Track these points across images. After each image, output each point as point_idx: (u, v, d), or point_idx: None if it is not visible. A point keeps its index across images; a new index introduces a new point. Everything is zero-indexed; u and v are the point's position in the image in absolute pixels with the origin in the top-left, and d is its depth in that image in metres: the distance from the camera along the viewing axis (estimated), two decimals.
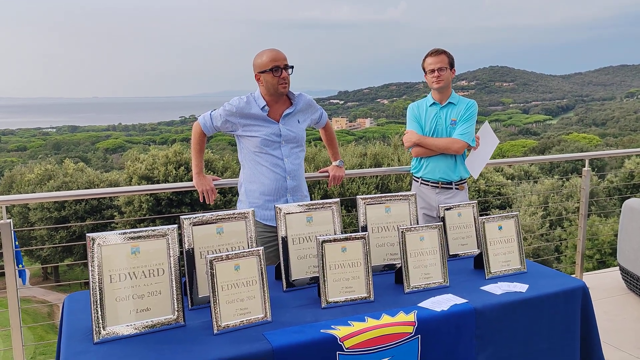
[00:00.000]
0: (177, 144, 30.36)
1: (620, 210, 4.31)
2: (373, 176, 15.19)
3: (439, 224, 2.34)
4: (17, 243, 3.06)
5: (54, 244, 26.24)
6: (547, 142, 55.23)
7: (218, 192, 3.21)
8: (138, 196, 22.13)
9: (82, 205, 26.94)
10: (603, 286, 4.47)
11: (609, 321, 3.77)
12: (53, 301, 26.34)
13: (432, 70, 3.39)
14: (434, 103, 3.50)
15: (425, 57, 3.46)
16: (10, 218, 2.82)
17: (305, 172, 3.28)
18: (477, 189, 24.76)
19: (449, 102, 3.46)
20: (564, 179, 27.72)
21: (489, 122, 3.85)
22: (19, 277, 3.07)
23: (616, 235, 4.20)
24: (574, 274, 4.63)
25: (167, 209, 22.41)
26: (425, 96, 3.61)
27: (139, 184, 22.59)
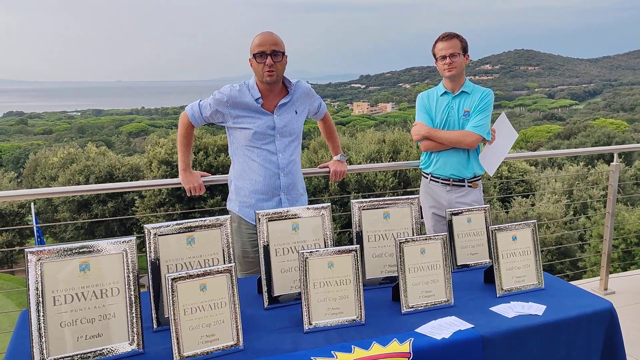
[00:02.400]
0: (197, 128, 30.34)
1: None
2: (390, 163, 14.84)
3: (443, 234, 2.04)
4: (37, 221, 2.98)
5: (76, 227, 26.52)
6: (572, 128, 53.79)
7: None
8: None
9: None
10: (629, 289, 4.13)
11: (633, 329, 3.44)
12: None
13: (444, 57, 3.05)
14: (445, 92, 3.17)
15: (436, 42, 3.13)
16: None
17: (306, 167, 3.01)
18: (499, 174, 24.19)
19: (462, 91, 3.13)
20: (590, 166, 26.90)
21: (507, 113, 3.50)
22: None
23: None
24: (598, 275, 4.29)
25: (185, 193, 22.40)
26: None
27: (158, 169, 22.61)
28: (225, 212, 2.77)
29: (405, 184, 14.62)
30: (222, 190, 19.51)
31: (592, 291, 4.10)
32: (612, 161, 4.17)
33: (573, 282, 4.42)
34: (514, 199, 22.80)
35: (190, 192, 2.87)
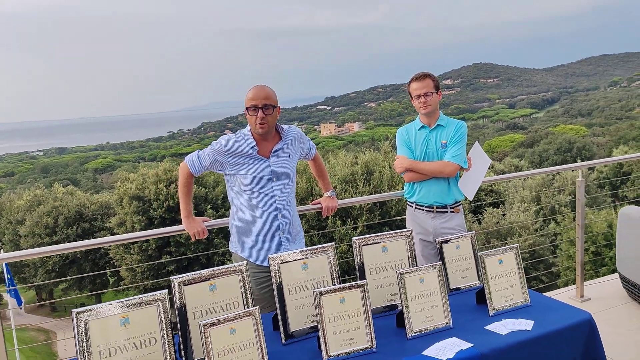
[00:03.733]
0: (166, 160, 30.15)
1: (612, 203, 4.27)
2: (365, 185, 15.13)
3: (437, 263, 2.27)
4: (9, 276, 3.00)
5: (46, 270, 25.93)
6: (535, 136, 55.50)
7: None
8: (130, 217, 21.89)
9: (73, 229, 26.68)
10: (604, 295, 4.43)
11: (611, 333, 3.72)
12: (50, 328, 26.02)
13: (419, 96, 3.33)
14: (422, 126, 3.44)
15: (410, 82, 3.40)
16: None
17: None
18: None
19: (438, 125, 3.41)
20: (555, 173, 27.79)
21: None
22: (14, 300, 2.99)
23: (610, 227, 4.18)
24: (572, 277, 4.58)
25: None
26: (413, 119, 3.55)
27: (130, 204, 22.34)
28: (199, 248, 2.94)
29: (380, 204, 14.92)
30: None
31: (570, 299, 4.39)
32: (592, 168, 4.48)
33: (552, 291, 4.71)
34: (485, 210, 23.38)
35: (195, 237, 3.03)
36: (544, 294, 2.72)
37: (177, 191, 22.04)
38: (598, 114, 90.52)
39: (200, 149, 3.00)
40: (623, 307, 4.20)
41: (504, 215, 23.59)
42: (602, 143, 48.15)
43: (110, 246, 22.78)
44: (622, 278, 4.32)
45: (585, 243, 17.03)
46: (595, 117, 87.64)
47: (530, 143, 51.72)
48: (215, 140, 2.97)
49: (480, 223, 22.46)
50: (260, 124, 2.80)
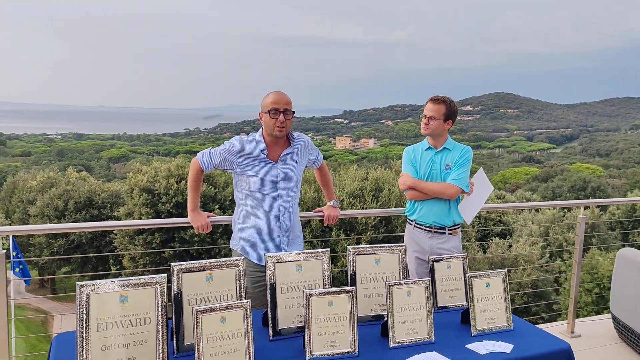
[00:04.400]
0: (180, 156, 30.45)
1: (621, 247, 4.32)
2: (373, 201, 15.21)
3: (427, 279, 2.36)
4: (14, 254, 3.12)
5: (51, 252, 26.23)
6: (550, 171, 55.20)
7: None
8: (138, 209, 22.13)
9: (82, 215, 26.99)
10: (595, 334, 4.46)
11: None
12: (48, 309, 26.24)
13: (425, 116, 3.44)
14: (429, 147, 3.54)
15: (427, 101, 3.50)
16: (5, 249, 2.84)
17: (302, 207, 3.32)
18: (478, 215, 24.68)
19: (445, 148, 3.50)
20: (566, 210, 27.61)
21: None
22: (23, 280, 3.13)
23: None
24: (566, 318, 4.62)
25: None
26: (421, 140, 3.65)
27: (139, 196, 22.56)
28: (200, 242, 3.05)
29: (387, 221, 14.99)
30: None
31: (560, 334, 4.43)
32: (588, 207, 4.54)
33: (542, 325, 4.75)
34: (492, 240, 23.30)
35: (199, 230, 3.14)
36: (536, 325, 2.79)
37: (186, 188, 22.32)
38: (616, 156, 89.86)
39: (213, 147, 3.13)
40: (612, 347, 4.23)
41: (510, 246, 23.51)
42: (617, 185, 47.75)
43: (115, 235, 23.03)
44: (614, 318, 4.35)
45: (589, 284, 16.94)
46: (613, 158, 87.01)
47: (545, 178, 51.47)
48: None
49: (485, 252, 22.39)
50: (279, 127, 2.93)
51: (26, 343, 21.42)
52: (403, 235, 3.73)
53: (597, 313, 15.17)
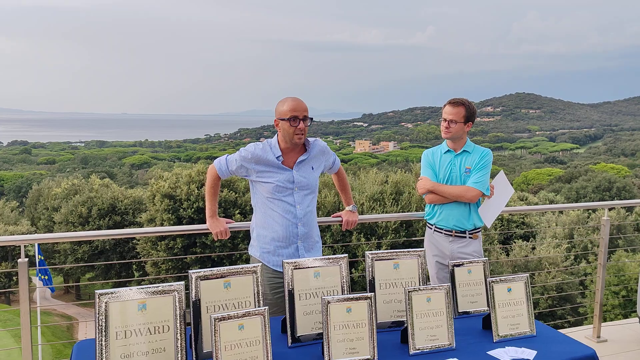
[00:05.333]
0: (201, 162, 30.71)
1: None
2: (393, 204, 15.12)
3: (447, 285, 2.33)
4: (41, 258, 3.18)
5: (76, 259, 26.65)
6: (573, 172, 54.25)
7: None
8: (160, 215, 22.37)
9: (105, 221, 27.38)
10: (622, 338, 4.36)
11: None
12: (73, 315, 26.65)
13: (445, 120, 3.40)
14: (448, 150, 3.50)
15: (446, 104, 3.46)
16: (27, 257, 2.89)
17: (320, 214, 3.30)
18: (500, 217, 24.41)
19: (464, 150, 3.46)
20: (590, 211, 27.10)
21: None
22: (48, 287, 3.19)
23: None
24: (592, 322, 4.53)
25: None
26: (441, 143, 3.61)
27: (161, 202, 22.79)
28: (220, 248, 3.05)
29: (407, 225, 14.89)
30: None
31: (586, 339, 4.34)
32: (613, 208, 4.45)
33: (568, 329, 4.66)
34: (515, 242, 22.98)
35: (217, 237, 3.15)
36: (559, 330, 2.73)
37: (205, 195, 22.48)
38: None
39: (229, 154, 3.14)
40: (639, 352, 4.13)
41: (533, 249, 23.15)
42: None
43: (137, 241, 23.31)
44: None
45: (617, 286, 16.58)
46: (639, 157, 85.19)
47: (569, 179, 50.59)
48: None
49: (508, 255, 22.08)
50: (299, 134, 2.91)
51: (52, 348, 21.78)
52: (424, 239, 3.69)
53: (625, 316, 14.84)
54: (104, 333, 1.84)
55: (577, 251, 19.96)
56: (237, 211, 21.42)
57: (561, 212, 27.32)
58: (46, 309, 25.80)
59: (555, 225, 25.00)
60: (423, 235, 3.70)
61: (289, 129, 2.91)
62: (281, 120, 2.93)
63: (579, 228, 24.19)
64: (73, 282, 30.14)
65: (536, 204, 31.21)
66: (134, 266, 27.64)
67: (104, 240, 26.59)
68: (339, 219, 3.46)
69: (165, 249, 21.55)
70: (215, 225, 3.16)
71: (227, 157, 3.12)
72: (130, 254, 26.77)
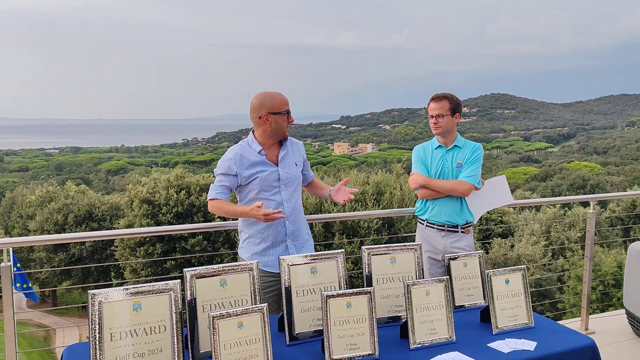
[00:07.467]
0: (179, 167, 30.38)
1: (623, 243, 4.27)
2: (375, 205, 15.13)
3: (445, 278, 2.30)
4: (19, 265, 3.10)
5: (51, 266, 26.10)
6: (548, 170, 55.20)
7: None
8: (138, 220, 22.04)
9: (82, 228, 26.88)
10: (609, 330, 4.40)
11: None
12: (50, 324, 26.07)
13: (432, 116, 3.39)
14: (439, 146, 3.49)
15: (429, 102, 3.46)
16: (9, 261, 2.78)
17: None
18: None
19: (455, 145, 3.45)
20: (567, 208, 27.56)
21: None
22: (29, 297, 3.12)
23: (619, 267, 4.17)
24: (578, 316, 4.57)
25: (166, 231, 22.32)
26: (431, 138, 3.60)
27: (140, 207, 22.47)
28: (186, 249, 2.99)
29: (389, 224, 14.91)
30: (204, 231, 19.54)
31: None
32: (589, 205, 4.50)
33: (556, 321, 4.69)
34: (493, 240, 23.24)
35: (269, 215, 2.78)
36: None
37: (186, 198, 22.19)
38: (614, 153, 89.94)
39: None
40: (627, 343, 4.17)
41: (512, 246, 23.43)
42: (616, 182, 47.75)
43: (116, 247, 22.91)
44: (629, 314, 4.29)
45: (594, 282, 16.87)
46: (610, 155, 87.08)
47: (544, 177, 51.45)
48: (225, 151, 3.01)
49: (487, 252, 22.30)
50: (287, 127, 2.95)
51: (28, 358, 21.26)
52: (406, 237, 3.67)
53: (602, 310, 15.09)
54: (97, 334, 1.76)
55: (559, 246, 20.25)
56: None
57: (538, 210, 27.70)
58: (22, 319, 25.20)
59: (533, 222, 25.36)
60: (406, 234, 3.67)
61: (283, 122, 2.90)
62: (274, 114, 2.88)
63: (555, 225, 24.59)
64: (49, 292, 29.50)
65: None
66: (112, 273, 27.18)
67: (81, 248, 26.07)
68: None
69: (145, 255, 21.22)
70: (257, 210, 2.77)
71: (216, 184, 2.95)
72: (108, 260, 26.32)
